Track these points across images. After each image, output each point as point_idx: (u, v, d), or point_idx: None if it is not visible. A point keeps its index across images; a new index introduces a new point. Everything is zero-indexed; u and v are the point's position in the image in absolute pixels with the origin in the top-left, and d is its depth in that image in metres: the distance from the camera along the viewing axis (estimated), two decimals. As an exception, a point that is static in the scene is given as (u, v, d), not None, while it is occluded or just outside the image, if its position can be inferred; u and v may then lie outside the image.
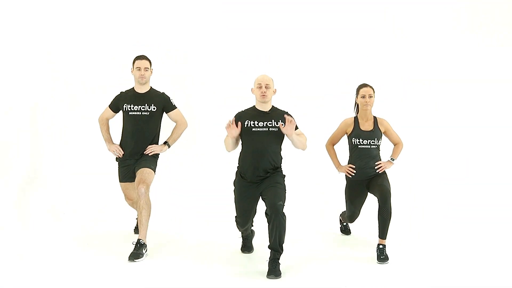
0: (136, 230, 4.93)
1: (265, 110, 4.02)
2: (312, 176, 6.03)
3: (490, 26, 6.13)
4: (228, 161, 5.64)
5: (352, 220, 4.77)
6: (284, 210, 3.81)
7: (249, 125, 3.97)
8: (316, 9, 6.10)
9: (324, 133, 5.74)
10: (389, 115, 5.49)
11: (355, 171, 4.40)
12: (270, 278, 3.71)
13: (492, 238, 4.77)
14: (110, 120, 4.72)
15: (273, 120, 3.97)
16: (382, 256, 4.13)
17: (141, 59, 4.51)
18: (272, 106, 4.08)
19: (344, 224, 5.00)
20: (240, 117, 4.02)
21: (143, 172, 4.36)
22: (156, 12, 5.99)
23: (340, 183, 4.98)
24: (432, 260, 4.14)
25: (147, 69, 4.50)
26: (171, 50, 5.95)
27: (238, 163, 4.12)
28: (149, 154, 4.51)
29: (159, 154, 4.63)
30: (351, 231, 4.99)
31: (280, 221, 3.73)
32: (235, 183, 4.13)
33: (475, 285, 3.62)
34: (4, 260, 4.06)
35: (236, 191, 4.10)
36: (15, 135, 5.35)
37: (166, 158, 5.10)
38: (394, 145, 4.53)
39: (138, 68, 4.49)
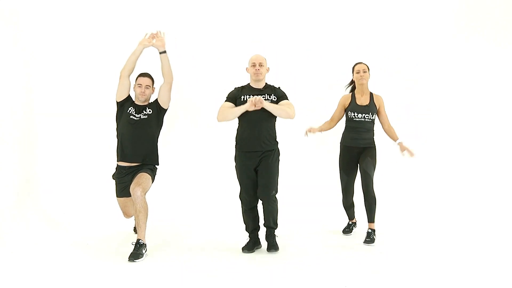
0: (136, 230, 4.94)
1: (259, 87, 4.36)
2: (312, 177, 6.03)
3: (488, 26, 6.13)
4: (228, 160, 5.66)
5: (347, 197, 4.87)
6: (285, 203, 4.31)
7: (245, 99, 4.29)
8: (316, 7, 6.10)
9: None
10: (387, 114, 5.52)
11: (308, 134, 4.80)
12: (271, 252, 4.25)
13: (492, 238, 4.79)
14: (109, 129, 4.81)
15: (266, 94, 4.31)
16: (368, 238, 4.58)
17: (144, 76, 4.55)
18: (266, 83, 4.42)
19: (349, 223, 5.02)
20: (237, 91, 4.38)
21: (140, 177, 4.36)
22: (152, 11, 5.98)
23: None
24: (432, 260, 4.14)
25: (148, 87, 4.52)
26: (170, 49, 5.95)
27: (236, 140, 4.38)
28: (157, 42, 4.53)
29: (156, 168, 4.62)
30: (352, 231, 5.00)
31: (272, 207, 4.33)
32: (235, 158, 4.38)
33: (475, 285, 3.62)
34: (4, 262, 4.07)
35: (237, 166, 4.38)
36: (12, 137, 5.35)
37: (166, 158, 5.10)
38: (387, 130, 4.77)
39: (139, 85, 4.52)
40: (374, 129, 4.77)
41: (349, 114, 4.75)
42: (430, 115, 6.11)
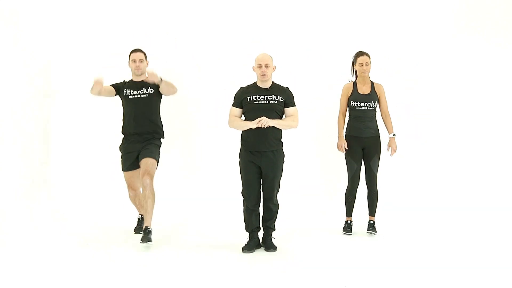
0: (136, 230, 5.00)
1: (266, 87, 4.36)
2: (314, 177, 6.03)
3: (488, 26, 6.12)
4: (228, 160, 5.66)
5: (354, 186, 4.96)
6: (284, 203, 4.49)
7: (251, 99, 4.31)
8: (316, 7, 6.10)
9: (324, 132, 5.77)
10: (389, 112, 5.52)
11: (346, 149, 4.95)
12: (270, 252, 4.33)
13: (491, 236, 4.80)
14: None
15: (273, 95, 4.32)
16: (371, 228, 4.90)
17: (136, 52, 4.83)
18: (273, 82, 4.42)
19: (347, 222, 5.03)
20: (242, 93, 4.38)
21: (147, 163, 4.61)
22: (152, 10, 5.98)
23: (342, 185, 5.00)
24: (432, 261, 4.14)
25: (142, 60, 4.81)
26: (170, 49, 5.96)
27: (242, 139, 4.40)
28: (149, 79, 4.60)
29: (161, 143, 4.86)
30: (351, 231, 5.01)
31: (273, 209, 4.44)
32: (240, 154, 4.43)
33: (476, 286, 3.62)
34: (6, 260, 4.07)
35: (241, 162, 4.41)
36: (12, 137, 5.34)
37: (166, 157, 5.10)
38: (384, 118, 5.02)
39: (133, 60, 4.80)
40: (377, 117, 4.99)
41: (351, 103, 4.93)
42: (430, 115, 6.10)
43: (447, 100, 6.10)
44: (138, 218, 5.09)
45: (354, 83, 5.00)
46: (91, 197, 5.78)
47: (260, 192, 4.44)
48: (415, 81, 6.05)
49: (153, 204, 4.53)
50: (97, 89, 4.63)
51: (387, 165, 5.80)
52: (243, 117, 4.43)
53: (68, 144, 5.89)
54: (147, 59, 4.89)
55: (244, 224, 4.51)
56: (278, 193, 4.47)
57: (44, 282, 3.61)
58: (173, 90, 4.73)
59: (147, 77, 4.71)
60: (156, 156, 4.72)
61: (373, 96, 4.93)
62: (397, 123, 5.88)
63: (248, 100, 4.33)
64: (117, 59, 5.75)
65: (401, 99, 5.96)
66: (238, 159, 4.48)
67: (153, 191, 4.55)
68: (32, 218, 5.16)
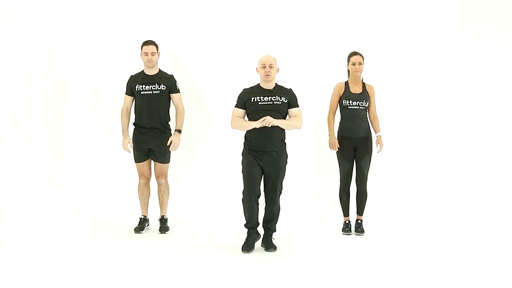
0: (137, 230, 5.00)
1: (269, 88, 4.40)
2: (314, 177, 6.02)
3: (488, 26, 6.12)
4: (228, 160, 5.65)
5: (347, 185, 5.03)
6: (285, 203, 4.52)
7: (255, 100, 4.34)
8: (316, 7, 6.10)
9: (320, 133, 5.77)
10: (387, 114, 5.52)
11: (338, 147, 5.02)
12: (270, 251, 4.34)
13: (491, 236, 4.80)
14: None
15: (277, 96, 4.36)
16: (359, 229, 4.95)
17: (148, 45, 4.94)
18: (276, 84, 4.46)
19: (346, 222, 5.03)
20: (246, 94, 4.41)
21: (161, 167, 5.06)
22: (152, 10, 5.98)
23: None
24: (432, 261, 4.14)
25: (154, 53, 4.93)
26: (170, 49, 5.95)
27: (245, 139, 4.42)
28: (172, 149, 5.00)
29: (171, 134, 5.05)
30: (351, 230, 5.02)
31: (275, 211, 4.44)
32: (243, 154, 4.45)
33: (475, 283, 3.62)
34: (6, 260, 4.07)
35: (244, 161, 4.42)
36: (11, 137, 5.34)
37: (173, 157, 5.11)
38: (372, 119, 5.11)
39: (145, 53, 4.92)
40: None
41: (343, 102, 5.00)
42: (430, 115, 6.10)
43: (447, 100, 6.09)
44: (140, 218, 5.10)
45: (346, 83, 5.07)
46: (91, 196, 5.78)
47: (260, 191, 4.43)
48: (415, 81, 6.04)
49: (168, 197, 5.13)
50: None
51: (388, 166, 5.81)
52: (246, 118, 4.44)
53: (68, 144, 5.89)
54: (159, 51, 5.01)
55: (245, 221, 4.46)
56: (280, 195, 4.47)
57: (44, 282, 3.61)
58: (184, 114, 5.09)
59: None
60: (168, 159, 5.07)
61: (364, 95, 5.00)
62: (397, 123, 5.90)
63: (252, 101, 4.35)
64: (117, 59, 5.78)
65: (401, 99, 5.96)
66: (238, 160, 4.48)
67: (168, 186, 5.13)
68: (32, 218, 5.16)
